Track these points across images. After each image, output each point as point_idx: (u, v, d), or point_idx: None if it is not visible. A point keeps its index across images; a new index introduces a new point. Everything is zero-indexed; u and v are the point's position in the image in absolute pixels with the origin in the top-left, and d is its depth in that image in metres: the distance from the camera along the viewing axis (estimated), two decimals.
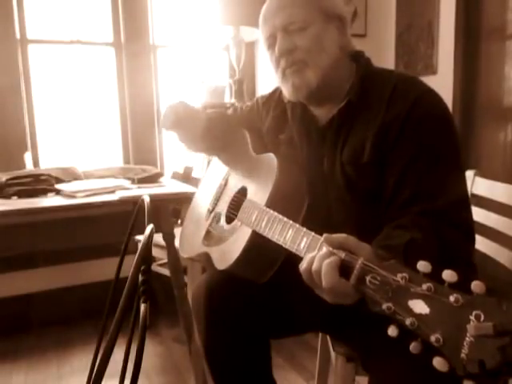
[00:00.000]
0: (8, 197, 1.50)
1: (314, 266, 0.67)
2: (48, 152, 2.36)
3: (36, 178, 1.60)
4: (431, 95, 0.89)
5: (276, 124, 1.08)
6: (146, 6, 2.42)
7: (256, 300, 0.99)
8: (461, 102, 2.08)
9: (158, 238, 1.67)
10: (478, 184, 1.25)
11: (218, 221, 1.09)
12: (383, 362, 0.83)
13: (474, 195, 1.26)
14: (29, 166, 2.03)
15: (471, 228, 0.86)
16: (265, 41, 0.98)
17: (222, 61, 2.69)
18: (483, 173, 1.27)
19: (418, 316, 0.53)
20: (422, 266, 0.55)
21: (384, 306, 0.56)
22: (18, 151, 2.10)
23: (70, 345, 2.06)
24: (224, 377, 1.06)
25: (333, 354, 1.06)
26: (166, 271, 2.02)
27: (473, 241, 0.87)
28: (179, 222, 2.16)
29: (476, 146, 2.09)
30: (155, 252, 1.92)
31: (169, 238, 1.65)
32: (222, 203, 1.10)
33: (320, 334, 1.36)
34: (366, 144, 0.89)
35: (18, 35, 2.21)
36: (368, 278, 0.59)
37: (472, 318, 0.49)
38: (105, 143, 2.49)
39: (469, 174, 1.28)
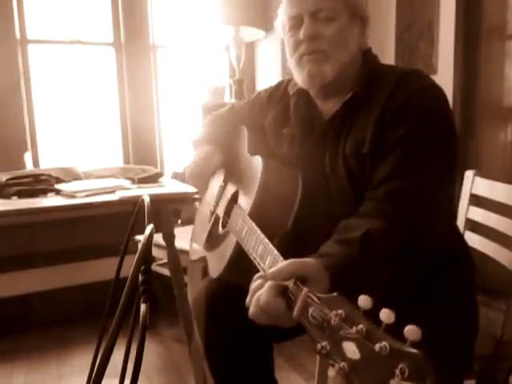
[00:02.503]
0: (8, 197, 1.50)
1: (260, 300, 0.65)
2: (48, 152, 2.36)
3: (36, 177, 1.60)
4: (432, 88, 0.89)
5: (280, 118, 1.08)
6: (145, 6, 2.43)
7: None
8: (461, 102, 2.08)
9: (158, 238, 1.67)
10: (477, 184, 1.25)
11: (217, 224, 1.08)
12: None
13: (474, 195, 1.26)
14: (29, 166, 2.03)
15: (441, 211, 0.85)
16: (288, 20, 0.95)
17: (222, 61, 2.69)
18: (483, 173, 1.27)
19: (349, 361, 0.49)
20: (363, 301, 0.51)
21: (320, 346, 0.52)
22: (18, 151, 2.10)
23: (70, 345, 2.06)
24: (225, 379, 1.05)
25: None
26: (166, 271, 2.02)
27: (439, 224, 0.85)
28: (179, 221, 2.16)
29: (476, 146, 2.08)
30: (155, 252, 1.92)
31: (169, 238, 1.65)
32: (221, 206, 1.10)
33: None
34: (366, 135, 0.89)
35: (18, 35, 2.21)
36: (310, 311, 0.56)
37: (397, 371, 0.44)
38: (105, 143, 2.49)
39: (469, 174, 1.28)
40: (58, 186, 1.59)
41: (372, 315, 0.50)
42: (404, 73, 0.92)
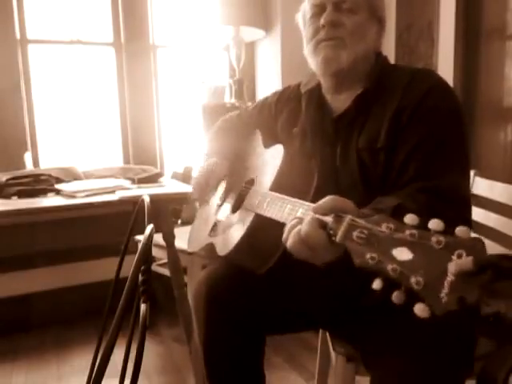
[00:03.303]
0: (8, 197, 1.50)
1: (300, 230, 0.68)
2: (48, 152, 2.36)
3: (36, 178, 1.61)
4: (445, 87, 0.93)
5: (291, 117, 1.10)
6: (145, 6, 2.42)
7: (256, 296, 1.00)
8: (461, 102, 2.08)
9: (158, 238, 1.67)
10: (478, 184, 1.25)
11: (225, 212, 1.10)
12: (384, 359, 0.83)
13: (473, 195, 1.26)
14: (29, 166, 2.03)
15: (469, 214, 0.88)
16: (311, 7, 0.98)
17: (222, 61, 2.69)
18: (483, 173, 1.27)
19: (401, 262, 0.52)
20: (409, 218, 0.54)
21: (368, 256, 0.55)
22: (18, 151, 2.10)
23: (70, 345, 2.06)
24: (217, 370, 1.06)
25: (333, 353, 1.06)
26: (166, 271, 2.02)
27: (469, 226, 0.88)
28: (179, 221, 2.16)
29: (476, 146, 2.08)
30: (155, 252, 1.92)
31: (169, 238, 1.65)
32: (231, 196, 1.12)
33: (320, 334, 1.36)
34: (381, 130, 0.91)
35: (18, 35, 2.21)
36: (355, 234, 0.59)
37: (454, 257, 0.48)
38: (105, 143, 2.49)
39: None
40: (57, 186, 1.60)
41: None
42: (415, 70, 0.96)
